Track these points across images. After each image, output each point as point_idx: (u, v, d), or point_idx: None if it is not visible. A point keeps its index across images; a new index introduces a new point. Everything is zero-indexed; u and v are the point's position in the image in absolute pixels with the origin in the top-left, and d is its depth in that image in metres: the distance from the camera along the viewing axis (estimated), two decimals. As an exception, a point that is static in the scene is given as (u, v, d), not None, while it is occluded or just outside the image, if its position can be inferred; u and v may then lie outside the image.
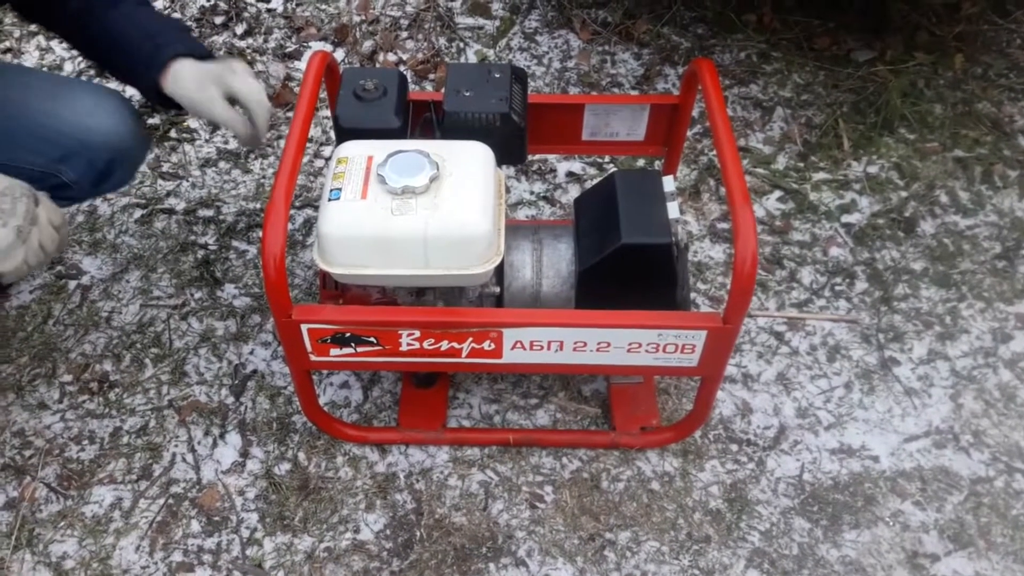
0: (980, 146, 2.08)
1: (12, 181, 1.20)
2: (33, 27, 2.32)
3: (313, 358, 1.32)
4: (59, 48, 2.31)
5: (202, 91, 1.32)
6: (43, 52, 2.31)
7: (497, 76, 1.43)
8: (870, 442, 1.58)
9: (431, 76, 2.26)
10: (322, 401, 1.62)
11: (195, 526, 1.47)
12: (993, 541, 1.46)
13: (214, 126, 2.13)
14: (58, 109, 1.42)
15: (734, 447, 1.57)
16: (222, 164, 2.05)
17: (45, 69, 2.25)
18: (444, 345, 1.29)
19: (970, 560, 1.44)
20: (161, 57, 1.32)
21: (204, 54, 1.35)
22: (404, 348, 1.30)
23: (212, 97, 1.32)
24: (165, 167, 2.04)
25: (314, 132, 2.09)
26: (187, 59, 1.33)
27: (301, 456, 1.55)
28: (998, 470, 1.55)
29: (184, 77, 1.32)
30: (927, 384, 1.67)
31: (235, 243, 1.88)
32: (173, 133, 2.12)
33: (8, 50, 2.30)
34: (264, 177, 2.02)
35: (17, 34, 2.32)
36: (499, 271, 1.38)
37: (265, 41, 2.34)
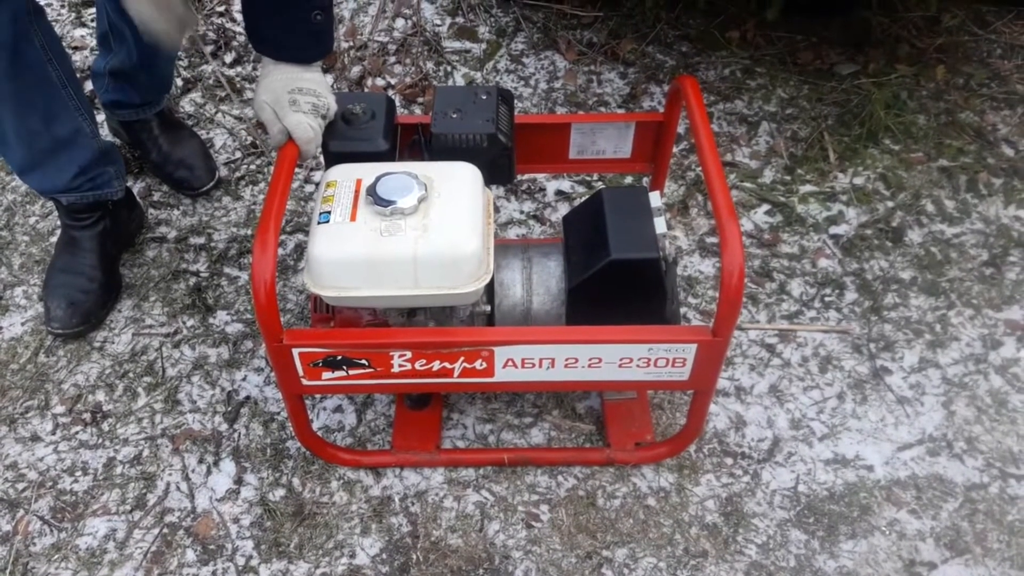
0: (964, 155, 2.10)
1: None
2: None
3: (305, 382, 1.32)
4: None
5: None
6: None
7: (484, 98, 1.45)
8: (864, 452, 1.58)
9: (419, 100, 2.28)
10: (316, 426, 1.62)
11: (190, 555, 1.46)
12: (989, 547, 1.46)
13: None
14: None
15: (729, 460, 1.57)
16: (213, 191, 2.05)
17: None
18: (436, 365, 1.30)
19: (967, 567, 1.44)
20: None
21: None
22: (396, 370, 1.30)
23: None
24: (156, 196, 2.04)
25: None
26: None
27: (295, 482, 1.54)
28: (992, 476, 1.55)
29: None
30: (919, 392, 1.67)
31: (227, 270, 1.89)
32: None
33: None
34: (255, 203, 2.03)
35: None
36: (489, 290, 1.39)
37: (254, 69, 2.35)
